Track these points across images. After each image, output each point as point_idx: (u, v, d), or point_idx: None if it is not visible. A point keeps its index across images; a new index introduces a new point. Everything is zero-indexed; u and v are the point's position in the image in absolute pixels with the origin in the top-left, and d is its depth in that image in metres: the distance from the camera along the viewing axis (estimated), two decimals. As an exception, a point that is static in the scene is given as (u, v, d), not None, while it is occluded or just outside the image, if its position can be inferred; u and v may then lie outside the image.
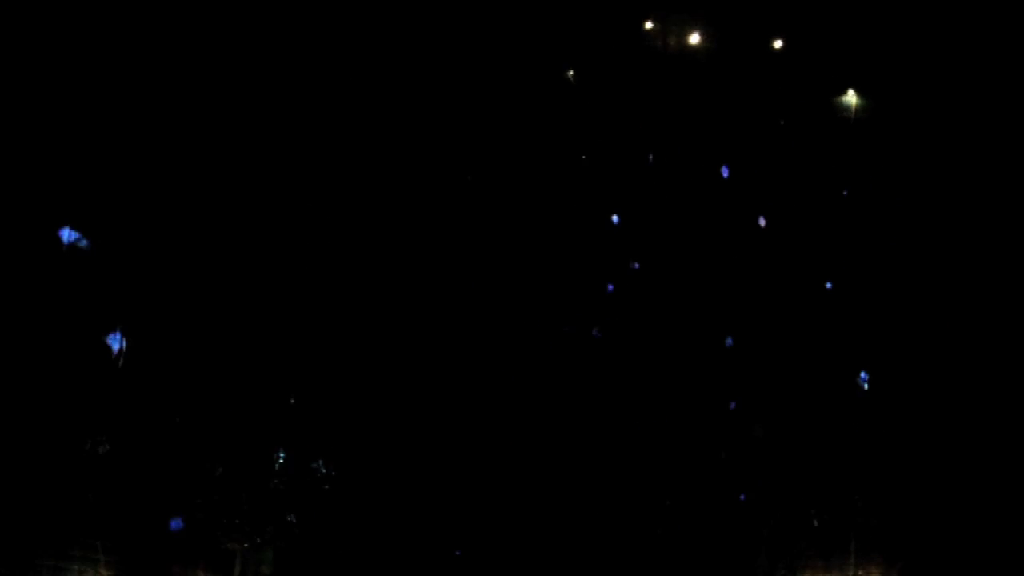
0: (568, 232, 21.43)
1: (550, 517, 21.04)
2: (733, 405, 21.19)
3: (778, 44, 21.03)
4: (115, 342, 19.80)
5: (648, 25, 21.46)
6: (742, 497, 21.04)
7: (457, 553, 20.55)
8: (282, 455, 20.71)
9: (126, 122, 19.68)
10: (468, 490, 21.02)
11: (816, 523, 21.08)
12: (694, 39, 21.27)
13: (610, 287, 21.41)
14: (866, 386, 21.09)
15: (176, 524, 19.64)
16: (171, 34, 19.84)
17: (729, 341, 21.26)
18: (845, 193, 21.38)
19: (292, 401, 20.47)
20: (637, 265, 21.37)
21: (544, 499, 21.08)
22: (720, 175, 21.25)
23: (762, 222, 21.32)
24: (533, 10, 21.11)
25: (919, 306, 20.69)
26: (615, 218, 21.49)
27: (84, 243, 19.33)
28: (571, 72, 21.53)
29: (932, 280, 20.68)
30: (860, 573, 20.85)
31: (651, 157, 21.54)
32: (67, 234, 19.33)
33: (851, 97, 21.30)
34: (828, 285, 21.14)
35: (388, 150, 20.79)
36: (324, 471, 20.88)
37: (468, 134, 21.31)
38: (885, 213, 21.18)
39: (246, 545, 20.06)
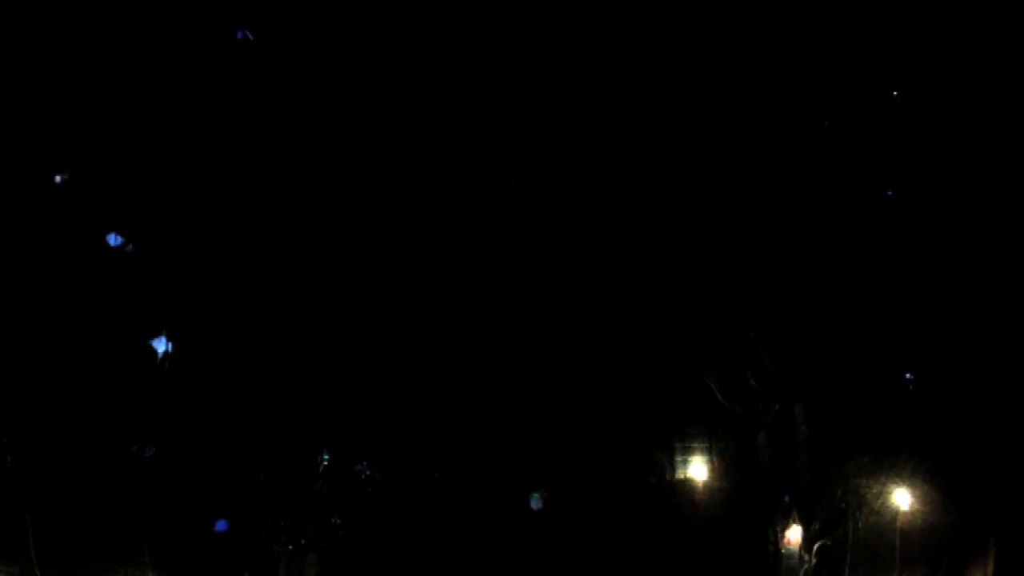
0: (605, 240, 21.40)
1: (592, 524, 21.07)
2: (778, 407, 21.11)
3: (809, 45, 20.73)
4: (160, 347, 20.22)
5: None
6: (786, 499, 20.97)
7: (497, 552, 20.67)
8: (326, 458, 21.00)
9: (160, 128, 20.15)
10: (511, 491, 21.13)
11: (861, 526, 20.90)
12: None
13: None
14: (911, 387, 20.83)
15: (222, 526, 19.99)
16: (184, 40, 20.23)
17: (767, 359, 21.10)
18: (890, 193, 21.06)
19: (335, 405, 20.78)
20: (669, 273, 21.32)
21: (586, 506, 21.13)
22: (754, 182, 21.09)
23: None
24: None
25: (960, 307, 20.32)
26: None
27: (129, 248, 19.72)
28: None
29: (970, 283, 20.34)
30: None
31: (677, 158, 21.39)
32: (113, 239, 19.73)
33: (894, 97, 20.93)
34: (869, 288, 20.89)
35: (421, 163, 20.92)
36: (367, 474, 21.11)
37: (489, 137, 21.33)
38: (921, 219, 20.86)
39: (290, 547, 20.30)
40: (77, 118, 19.74)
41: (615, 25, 21.18)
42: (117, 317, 19.67)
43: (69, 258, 19.64)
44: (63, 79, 19.57)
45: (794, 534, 20.43)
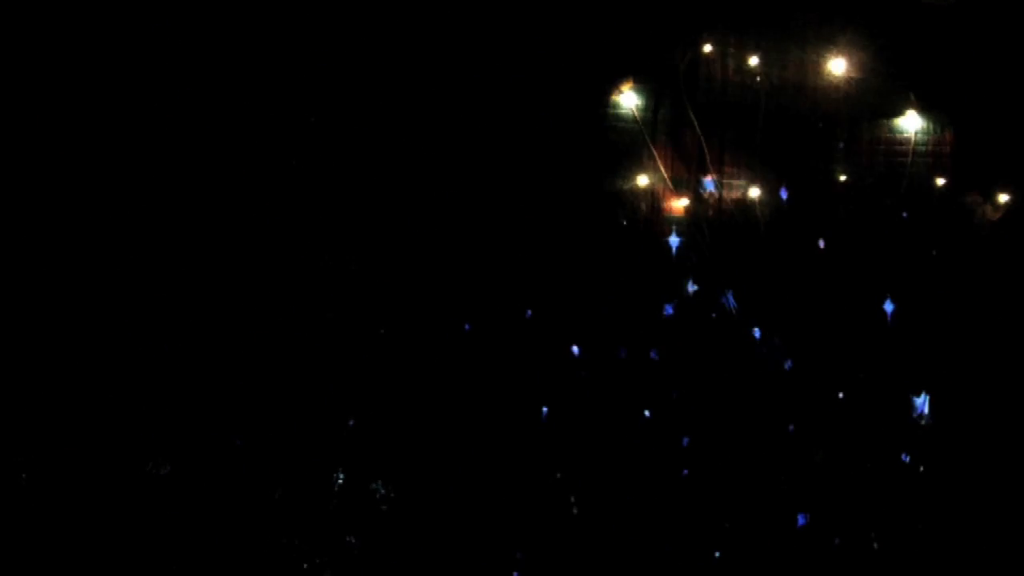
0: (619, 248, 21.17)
1: (609, 542, 20.85)
2: (792, 428, 20.95)
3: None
4: (171, 364, 20.10)
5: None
6: (801, 522, 20.76)
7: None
8: (341, 476, 20.90)
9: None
10: (530, 508, 20.93)
11: (876, 546, 20.67)
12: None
13: (668, 309, 21.29)
14: (926, 408, 20.61)
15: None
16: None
17: (788, 364, 20.95)
18: (905, 215, 20.91)
19: (351, 422, 20.68)
20: (694, 286, 21.17)
21: (603, 524, 20.90)
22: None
23: (821, 243, 20.99)
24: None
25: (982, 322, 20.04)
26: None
27: None
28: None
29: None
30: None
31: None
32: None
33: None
34: (888, 307, 20.78)
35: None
36: (382, 492, 20.97)
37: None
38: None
39: (305, 566, 20.27)
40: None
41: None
42: (126, 342, 19.61)
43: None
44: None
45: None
